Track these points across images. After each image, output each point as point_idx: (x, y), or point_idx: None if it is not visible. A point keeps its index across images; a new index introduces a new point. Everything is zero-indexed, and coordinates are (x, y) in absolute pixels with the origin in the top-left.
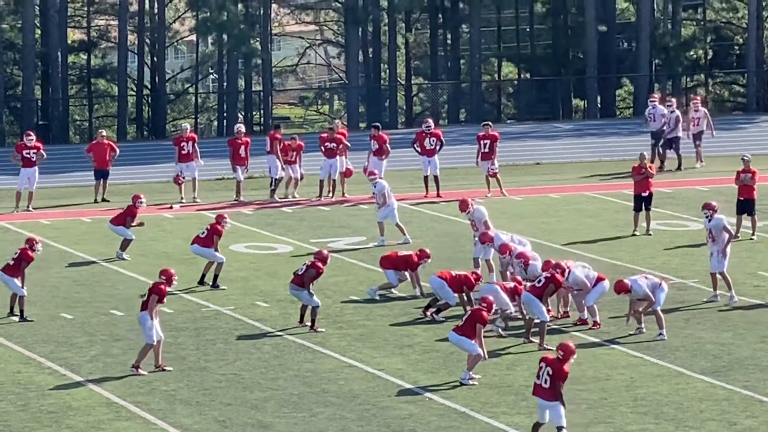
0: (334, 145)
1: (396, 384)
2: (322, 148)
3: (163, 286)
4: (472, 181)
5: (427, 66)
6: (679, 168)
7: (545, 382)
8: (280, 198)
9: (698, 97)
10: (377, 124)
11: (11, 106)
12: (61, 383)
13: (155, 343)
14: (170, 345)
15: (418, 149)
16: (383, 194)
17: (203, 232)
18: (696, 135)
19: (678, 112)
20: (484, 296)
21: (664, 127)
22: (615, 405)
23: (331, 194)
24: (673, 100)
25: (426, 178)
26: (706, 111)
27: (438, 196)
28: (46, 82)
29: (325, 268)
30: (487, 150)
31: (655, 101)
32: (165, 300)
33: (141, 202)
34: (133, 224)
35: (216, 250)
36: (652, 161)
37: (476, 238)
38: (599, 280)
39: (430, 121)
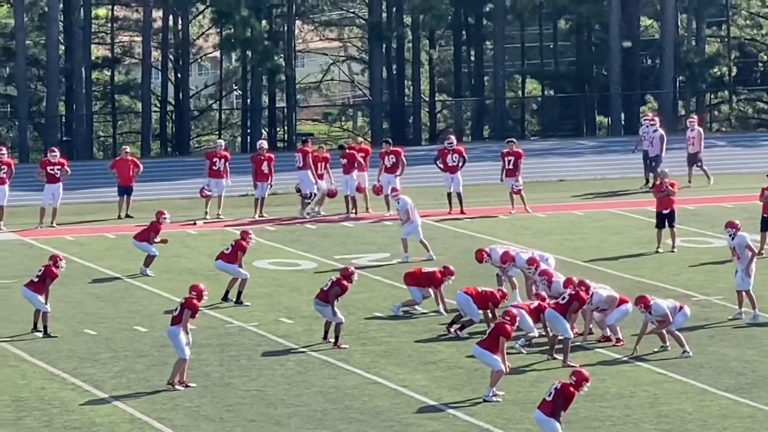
0: (346, 161)
1: (419, 401)
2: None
3: (195, 301)
4: (496, 198)
5: (451, 82)
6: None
7: (549, 395)
8: (308, 214)
9: (695, 117)
10: (389, 139)
11: (35, 122)
12: (85, 399)
13: (187, 358)
14: (194, 361)
15: (441, 166)
16: (407, 211)
17: (228, 248)
18: (693, 155)
19: (661, 131)
20: (508, 309)
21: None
22: (639, 422)
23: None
24: (656, 119)
25: (449, 194)
26: (701, 131)
27: (462, 212)
28: (70, 98)
29: (350, 285)
30: (511, 167)
31: (648, 120)
32: (197, 315)
33: (165, 218)
34: (157, 241)
35: (240, 266)
36: (647, 181)
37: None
38: (621, 301)
39: (453, 137)
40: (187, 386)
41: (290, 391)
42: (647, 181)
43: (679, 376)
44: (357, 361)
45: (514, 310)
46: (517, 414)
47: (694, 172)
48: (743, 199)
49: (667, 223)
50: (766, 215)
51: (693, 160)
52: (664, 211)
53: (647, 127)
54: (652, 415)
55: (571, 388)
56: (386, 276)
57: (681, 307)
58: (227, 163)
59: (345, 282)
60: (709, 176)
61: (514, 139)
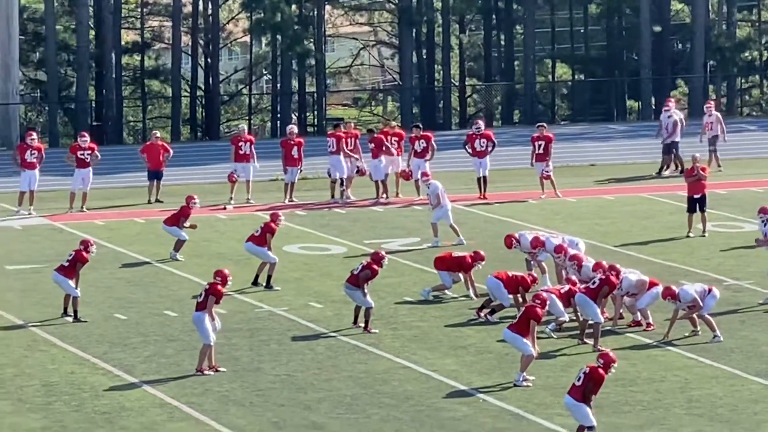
0: (373, 145)
1: (450, 385)
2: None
3: (219, 287)
4: (527, 183)
5: (481, 67)
6: (681, 171)
7: (578, 380)
8: (344, 198)
9: (711, 102)
10: (419, 124)
11: (65, 107)
12: (115, 384)
13: (213, 344)
14: (223, 346)
15: (469, 150)
16: (437, 195)
17: (257, 231)
18: (710, 140)
19: (676, 117)
20: (538, 293)
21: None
22: (669, 406)
23: (385, 195)
24: (671, 104)
25: (479, 179)
26: (719, 115)
27: (483, 197)
28: (100, 83)
29: (381, 270)
30: (541, 151)
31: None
32: (221, 300)
33: (195, 203)
34: (186, 226)
35: (269, 249)
36: (668, 167)
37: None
38: (651, 285)
39: (481, 122)
40: (217, 371)
41: (320, 376)
42: (678, 166)
43: (709, 360)
44: (387, 345)
45: (545, 294)
46: (547, 399)
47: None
48: None
49: (698, 208)
50: None
51: (711, 143)
52: (696, 196)
53: (665, 112)
54: (682, 400)
55: (600, 371)
56: (416, 261)
57: (710, 290)
58: (253, 147)
59: (375, 266)
60: (719, 162)
61: (544, 124)
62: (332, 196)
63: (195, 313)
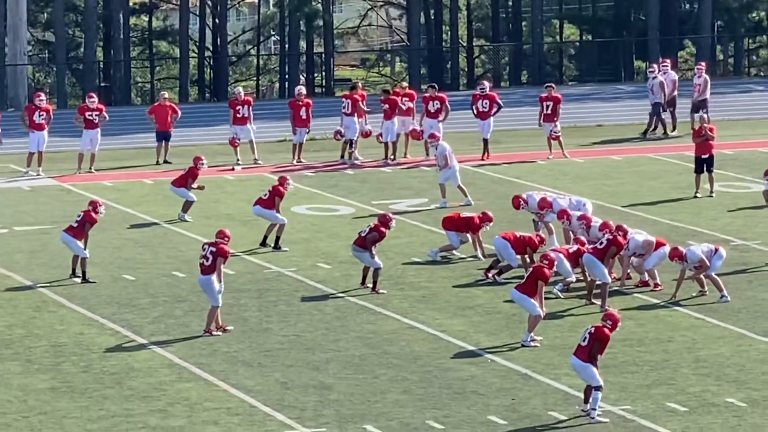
0: (387, 107)
1: (458, 345)
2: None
3: (225, 247)
4: (534, 143)
5: (489, 27)
6: (665, 134)
7: (584, 341)
8: (346, 160)
9: (702, 64)
10: (434, 84)
11: (73, 68)
12: (123, 345)
13: (220, 305)
14: (232, 306)
15: (474, 111)
16: (444, 156)
17: (266, 194)
18: (700, 102)
19: (660, 78)
20: (546, 253)
21: (675, 92)
22: (677, 366)
23: (395, 155)
24: (655, 66)
25: (485, 140)
26: (707, 78)
27: (484, 158)
28: (108, 44)
29: (388, 232)
30: (549, 112)
31: (667, 66)
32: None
33: (202, 164)
34: (194, 187)
35: (278, 211)
36: (663, 127)
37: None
38: (659, 245)
39: (486, 83)
40: (224, 330)
41: (328, 336)
42: (667, 127)
43: (717, 320)
44: (395, 306)
45: (552, 254)
46: (555, 359)
47: (696, 118)
48: None
49: (705, 168)
50: None
51: (698, 107)
52: (703, 156)
53: (665, 73)
54: (690, 360)
55: (606, 330)
56: (424, 221)
57: (716, 250)
58: (251, 108)
59: (383, 228)
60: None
61: (552, 84)
62: (342, 157)
63: (202, 277)
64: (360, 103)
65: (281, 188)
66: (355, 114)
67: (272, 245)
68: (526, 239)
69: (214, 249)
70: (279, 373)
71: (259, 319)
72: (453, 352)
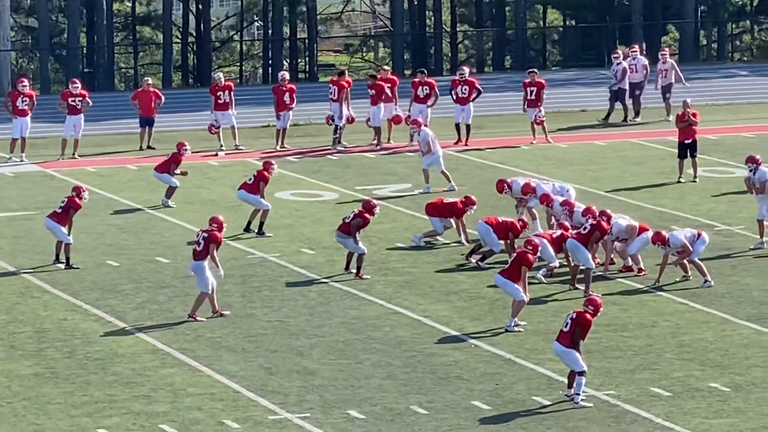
0: (374, 92)
1: (441, 331)
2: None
3: (218, 233)
4: (518, 128)
5: (472, 13)
6: (624, 120)
7: (566, 326)
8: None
9: (666, 49)
10: (423, 69)
11: (56, 54)
12: (107, 330)
13: (210, 292)
14: (216, 292)
15: (453, 97)
16: (427, 142)
17: (250, 179)
18: (665, 87)
19: (624, 64)
20: (530, 239)
21: (644, 78)
22: (660, 351)
23: (389, 140)
24: (620, 51)
25: (458, 125)
26: (674, 63)
27: (465, 144)
28: (91, 30)
29: (372, 218)
30: (533, 97)
31: (636, 51)
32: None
33: (186, 150)
34: (177, 172)
35: (262, 196)
36: (625, 112)
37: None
38: (642, 230)
39: (465, 68)
40: (221, 315)
41: (312, 322)
42: (635, 113)
43: (700, 305)
44: (379, 291)
45: (536, 240)
46: (539, 344)
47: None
48: (765, 129)
49: (689, 153)
50: None
51: (666, 91)
52: (686, 141)
53: (634, 59)
54: (673, 345)
55: (588, 316)
56: (408, 207)
57: (699, 235)
58: (232, 94)
59: (367, 215)
60: (670, 111)
61: (535, 70)
62: (335, 143)
63: (194, 262)
64: (346, 89)
65: (266, 173)
66: (341, 101)
67: (256, 231)
68: (509, 224)
69: (206, 235)
70: (263, 359)
71: (243, 305)
72: (437, 337)
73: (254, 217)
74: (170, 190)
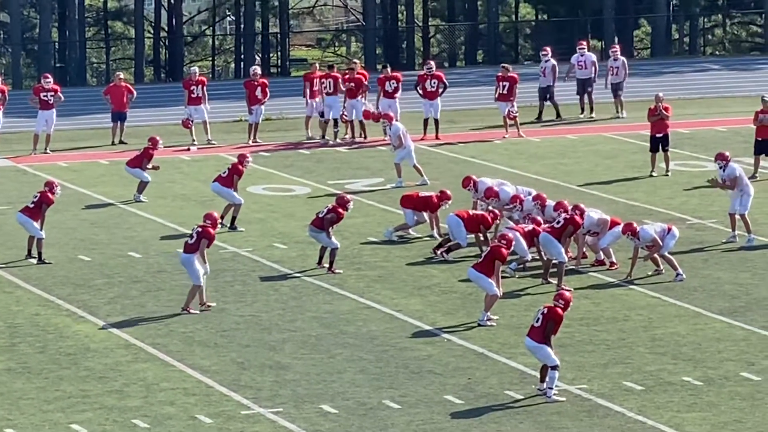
0: (353, 85)
1: (414, 325)
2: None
3: (211, 230)
4: (491, 123)
5: (444, 7)
6: (558, 116)
7: (537, 321)
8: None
9: (616, 46)
10: (387, 64)
11: (28, 49)
12: (80, 325)
13: (201, 284)
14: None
15: (420, 91)
16: (398, 136)
17: (225, 172)
18: (616, 85)
19: (553, 61)
20: (504, 233)
21: (593, 74)
22: (633, 345)
23: (349, 135)
24: (548, 49)
25: (426, 120)
26: (624, 60)
27: (436, 138)
28: (63, 25)
29: (346, 213)
30: (505, 92)
31: (584, 48)
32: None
33: (158, 144)
34: (149, 167)
35: (235, 190)
36: (582, 109)
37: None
38: (614, 224)
39: (432, 62)
40: (208, 307)
41: (284, 317)
42: (588, 109)
43: (673, 299)
44: (351, 286)
45: (510, 234)
46: (511, 338)
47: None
48: (737, 123)
49: (661, 147)
50: (759, 139)
51: (615, 89)
52: (658, 135)
53: (581, 55)
54: (646, 339)
55: (559, 310)
56: (380, 201)
57: (669, 229)
58: (205, 88)
59: (341, 210)
60: (623, 108)
61: (507, 65)
62: (322, 137)
63: (184, 255)
64: (339, 82)
65: (240, 167)
66: (337, 93)
67: (228, 225)
68: (479, 217)
69: (200, 230)
70: (235, 353)
71: (215, 299)
72: (409, 331)
73: (227, 212)
74: (142, 185)
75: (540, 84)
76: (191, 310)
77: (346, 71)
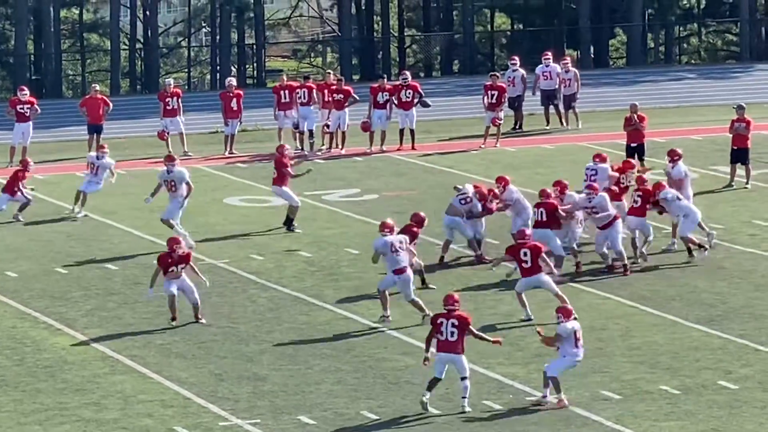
0: (342, 96)
1: (392, 336)
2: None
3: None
4: (467, 133)
5: (420, 17)
6: (519, 127)
7: (452, 335)
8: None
9: (568, 58)
10: (384, 75)
11: (4, 61)
12: (57, 338)
13: (176, 295)
14: (164, 298)
15: (395, 102)
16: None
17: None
18: (568, 97)
19: (522, 71)
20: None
21: (557, 85)
22: (611, 354)
23: (337, 146)
24: (516, 59)
25: (402, 131)
26: (576, 72)
27: (413, 148)
28: (38, 37)
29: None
30: (494, 101)
31: (549, 59)
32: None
33: (30, 167)
34: (26, 188)
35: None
36: (515, 120)
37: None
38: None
39: (407, 73)
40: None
41: (262, 328)
42: (547, 122)
43: (650, 308)
44: (328, 296)
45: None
46: (489, 348)
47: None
48: (713, 132)
49: (636, 156)
50: (735, 147)
51: (568, 101)
52: (633, 144)
53: (547, 66)
54: (624, 348)
55: (465, 314)
56: (357, 212)
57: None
58: (180, 100)
59: (416, 229)
60: (578, 119)
61: (497, 74)
62: (301, 148)
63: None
64: (313, 92)
65: (283, 159)
66: (311, 103)
67: (285, 225)
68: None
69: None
70: (212, 365)
71: (192, 311)
72: (387, 342)
73: (292, 212)
74: (23, 206)
75: (509, 94)
76: (202, 320)
77: (335, 82)
